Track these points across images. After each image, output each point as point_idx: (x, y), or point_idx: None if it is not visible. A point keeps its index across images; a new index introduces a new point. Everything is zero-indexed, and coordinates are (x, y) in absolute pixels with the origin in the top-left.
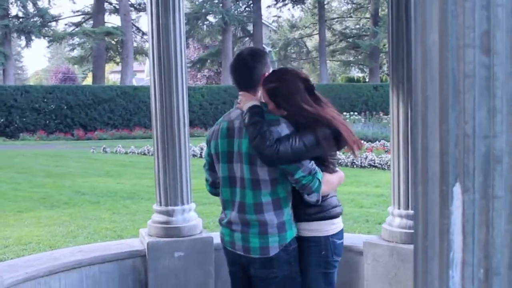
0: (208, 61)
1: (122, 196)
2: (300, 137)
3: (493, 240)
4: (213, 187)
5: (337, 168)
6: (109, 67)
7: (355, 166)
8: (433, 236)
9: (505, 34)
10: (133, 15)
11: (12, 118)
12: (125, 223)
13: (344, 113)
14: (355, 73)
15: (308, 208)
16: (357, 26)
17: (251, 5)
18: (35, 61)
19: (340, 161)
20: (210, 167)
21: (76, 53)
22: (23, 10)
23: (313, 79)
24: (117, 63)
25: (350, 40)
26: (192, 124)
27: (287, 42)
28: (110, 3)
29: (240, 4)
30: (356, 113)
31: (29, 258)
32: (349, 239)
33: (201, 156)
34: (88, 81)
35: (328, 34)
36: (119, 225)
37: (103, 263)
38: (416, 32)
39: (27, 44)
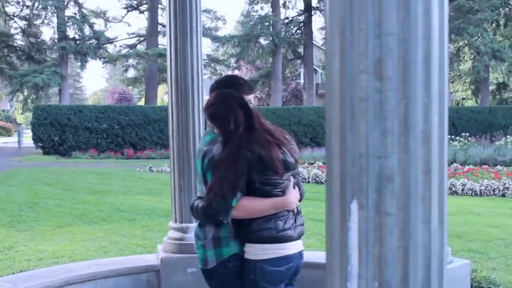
0: (259, 82)
1: (159, 214)
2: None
3: (385, 255)
4: None
5: (289, 190)
6: (163, 88)
7: None
8: (336, 250)
9: (396, 61)
10: None
11: (65, 136)
12: (157, 240)
13: None
14: None
15: (243, 227)
16: None
17: (302, 27)
18: (94, 82)
19: None
20: None
21: (130, 74)
22: (79, 33)
23: None
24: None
25: None
26: None
27: None
28: (163, 26)
29: (292, 27)
30: None
31: (49, 270)
32: None
33: None
34: (144, 101)
35: None
36: (150, 241)
37: (118, 277)
38: (326, 61)
39: (82, 66)
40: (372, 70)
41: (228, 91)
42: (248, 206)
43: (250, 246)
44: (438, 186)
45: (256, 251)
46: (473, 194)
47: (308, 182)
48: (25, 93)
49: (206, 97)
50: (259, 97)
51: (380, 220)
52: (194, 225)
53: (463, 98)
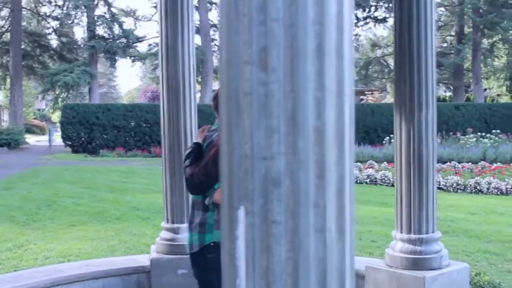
0: None
1: None
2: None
3: (273, 268)
4: None
5: None
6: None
7: None
8: (225, 261)
9: (283, 50)
10: (216, 35)
11: (94, 135)
12: None
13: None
14: (442, 92)
15: None
16: (441, 45)
17: None
18: (128, 80)
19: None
20: None
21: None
22: (109, 32)
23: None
24: (198, 83)
25: None
26: None
27: (368, 61)
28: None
29: None
30: None
31: (36, 270)
32: None
33: None
34: None
35: None
36: None
37: (107, 278)
38: (219, 50)
39: (112, 64)
40: (257, 60)
41: None
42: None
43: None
44: (337, 191)
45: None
46: (498, 193)
47: None
48: (57, 92)
49: None
50: None
51: (267, 228)
52: (185, 225)
53: (498, 95)
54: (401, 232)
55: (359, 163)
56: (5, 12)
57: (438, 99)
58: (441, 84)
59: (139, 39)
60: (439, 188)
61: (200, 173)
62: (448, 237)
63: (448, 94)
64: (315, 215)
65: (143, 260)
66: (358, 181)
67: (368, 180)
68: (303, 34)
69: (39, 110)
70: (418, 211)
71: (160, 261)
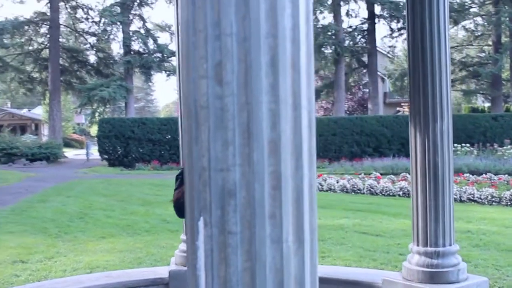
0: (323, 92)
1: None
2: None
3: (230, 278)
4: None
5: None
6: None
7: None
8: (189, 271)
9: (237, 63)
10: None
11: (129, 148)
12: None
13: (456, 145)
14: (481, 102)
15: None
16: (478, 54)
17: (366, 35)
18: (166, 94)
19: None
20: None
21: None
22: (144, 47)
23: None
24: None
25: (471, 68)
26: None
27: (403, 73)
28: None
29: (355, 35)
30: (468, 145)
31: (57, 281)
32: (369, 275)
33: None
34: None
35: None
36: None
37: None
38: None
39: (147, 79)
40: (213, 74)
41: None
42: None
43: None
44: (294, 202)
45: None
46: None
47: (363, 193)
48: (94, 107)
49: None
50: (324, 107)
51: (224, 239)
52: None
53: None
54: (418, 245)
55: (392, 176)
56: (44, 29)
57: (476, 110)
58: (478, 95)
59: (174, 53)
60: (473, 200)
61: (183, 197)
62: (479, 250)
63: (487, 104)
64: (271, 226)
65: (162, 272)
66: (391, 194)
67: (401, 193)
68: (256, 48)
69: (78, 124)
70: (434, 224)
71: (179, 273)
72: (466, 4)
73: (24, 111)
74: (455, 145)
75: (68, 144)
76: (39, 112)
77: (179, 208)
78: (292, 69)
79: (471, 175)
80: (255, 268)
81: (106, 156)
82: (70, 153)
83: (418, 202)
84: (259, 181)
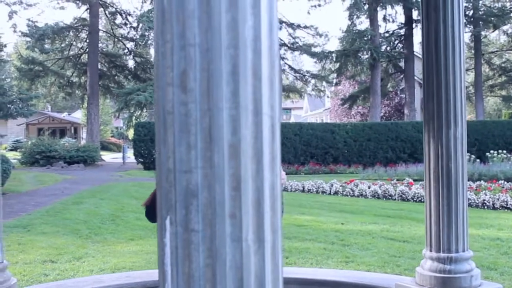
0: (360, 97)
1: None
2: None
3: (193, 274)
4: None
5: None
6: None
7: (485, 207)
8: (159, 267)
9: (199, 72)
10: (288, 55)
11: None
12: None
13: (492, 152)
14: None
15: None
16: None
17: (403, 40)
18: None
19: (470, 201)
20: None
21: None
22: None
23: (469, 116)
24: None
25: (511, 74)
26: (336, 160)
27: None
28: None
29: (392, 40)
30: (505, 152)
31: (78, 280)
32: (384, 280)
33: (335, 193)
34: None
35: (486, 69)
36: None
37: None
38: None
39: None
40: (178, 82)
41: None
42: None
43: None
44: (254, 203)
45: None
46: None
47: (395, 199)
48: (131, 111)
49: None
50: (361, 112)
51: (188, 237)
52: None
53: None
54: (431, 251)
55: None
56: (84, 34)
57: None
58: None
59: None
60: (506, 207)
61: (151, 202)
62: (507, 258)
63: None
64: (231, 225)
65: None
66: (423, 200)
67: None
68: (218, 58)
69: (116, 128)
70: (447, 229)
71: None
72: (506, 8)
73: (64, 115)
74: (492, 151)
75: (106, 147)
76: (79, 115)
77: (146, 213)
78: (253, 78)
79: (506, 182)
80: (216, 265)
81: (141, 160)
82: (107, 156)
83: (432, 207)
84: (219, 182)
